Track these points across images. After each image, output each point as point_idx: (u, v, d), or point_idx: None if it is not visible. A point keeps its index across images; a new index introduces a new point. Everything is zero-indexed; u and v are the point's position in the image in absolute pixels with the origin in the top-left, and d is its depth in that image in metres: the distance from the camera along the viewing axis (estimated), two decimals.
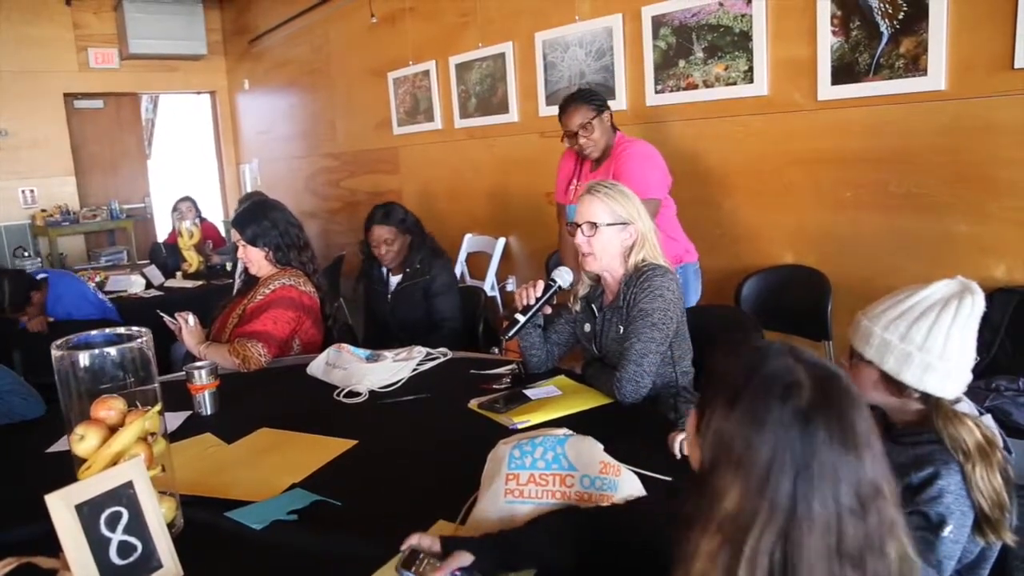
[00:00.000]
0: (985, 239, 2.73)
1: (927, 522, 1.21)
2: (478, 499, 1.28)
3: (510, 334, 1.97)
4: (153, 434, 1.32)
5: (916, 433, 1.31)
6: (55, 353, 1.26)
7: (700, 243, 3.62)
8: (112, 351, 1.29)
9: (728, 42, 3.33)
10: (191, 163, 9.09)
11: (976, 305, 1.27)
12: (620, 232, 1.97)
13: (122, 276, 3.93)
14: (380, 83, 5.61)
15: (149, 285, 3.96)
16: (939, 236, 2.83)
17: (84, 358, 1.27)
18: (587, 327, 2.08)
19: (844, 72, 2.96)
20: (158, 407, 1.35)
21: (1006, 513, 1.22)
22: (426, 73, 5.18)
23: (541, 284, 1.99)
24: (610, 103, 3.87)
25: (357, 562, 1.19)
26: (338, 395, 2.01)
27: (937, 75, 2.72)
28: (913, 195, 2.89)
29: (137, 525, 1.17)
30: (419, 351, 2.26)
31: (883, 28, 2.83)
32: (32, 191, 6.70)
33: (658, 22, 3.60)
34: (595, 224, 1.95)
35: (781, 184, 3.29)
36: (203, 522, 1.36)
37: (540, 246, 4.43)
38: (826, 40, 2.99)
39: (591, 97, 2.92)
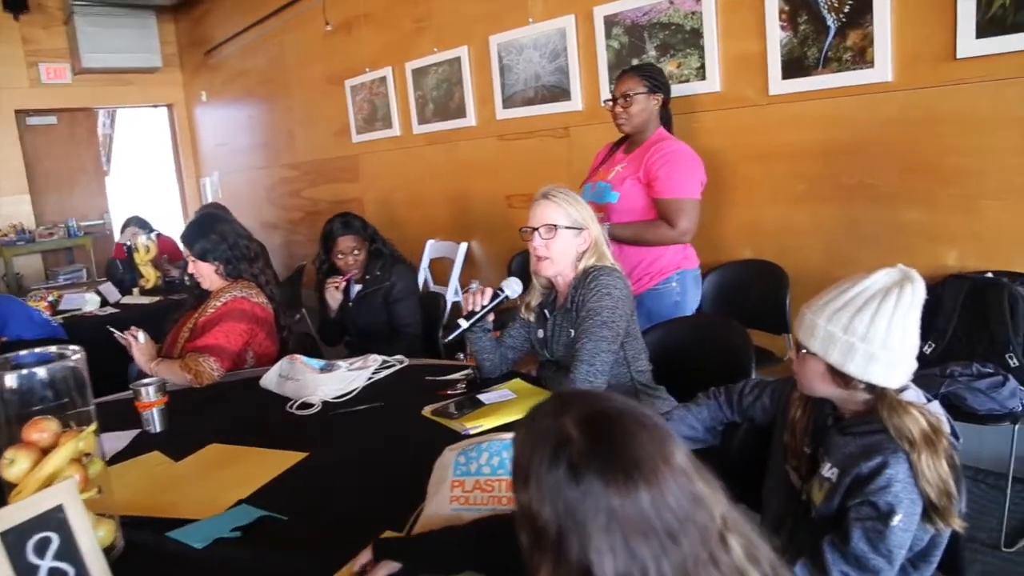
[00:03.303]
0: (935, 227, 2.77)
1: (876, 512, 1.21)
2: (424, 507, 1.26)
3: (449, 338, 1.96)
4: (88, 455, 1.28)
5: (864, 423, 1.31)
6: None
7: None
8: (41, 371, 1.25)
9: (680, 40, 3.35)
10: (151, 177, 8.95)
11: (916, 293, 1.27)
12: (575, 236, 1.97)
13: (76, 295, 3.83)
14: (337, 91, 5.57)
15: (105, 303, 3.87)
16: (892, 225, 2.87)
17: (11, 379, 1.22)
18: (540, 332, 2.07)
19: (794, 66, 3.00)
20: (93, 427, 1.30)
21: (953, 500, 1.23)
22: (383, 80, 5.14)
23: (489, 292, 1.98)
24: (566, 104, 3.92)
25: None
26: (291, 407, 1.97)
27: (883, 67, 2.75)
28: (865, 186, 2.92)
29: (69, 550, 1.13)
30: (375, 359, 2.23)
31: (830, 22, 2.86)
32: None
33: (610, 22, 3.61)
34: (554, 226, 1.94)
35: (736, 179, 3.31)
36: (144, 543, 1.32)
37: (502, 250, 4.41)
38: (775, 35, 3.02)
39: (648, 73, 2.79)
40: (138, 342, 2.29)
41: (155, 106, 7.82)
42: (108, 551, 1.29)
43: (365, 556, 1.13)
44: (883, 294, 1.27)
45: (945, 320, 2.55)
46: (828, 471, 1.33)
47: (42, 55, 6.74)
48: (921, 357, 2.55)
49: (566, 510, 0.73)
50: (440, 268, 5.09)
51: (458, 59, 4.52)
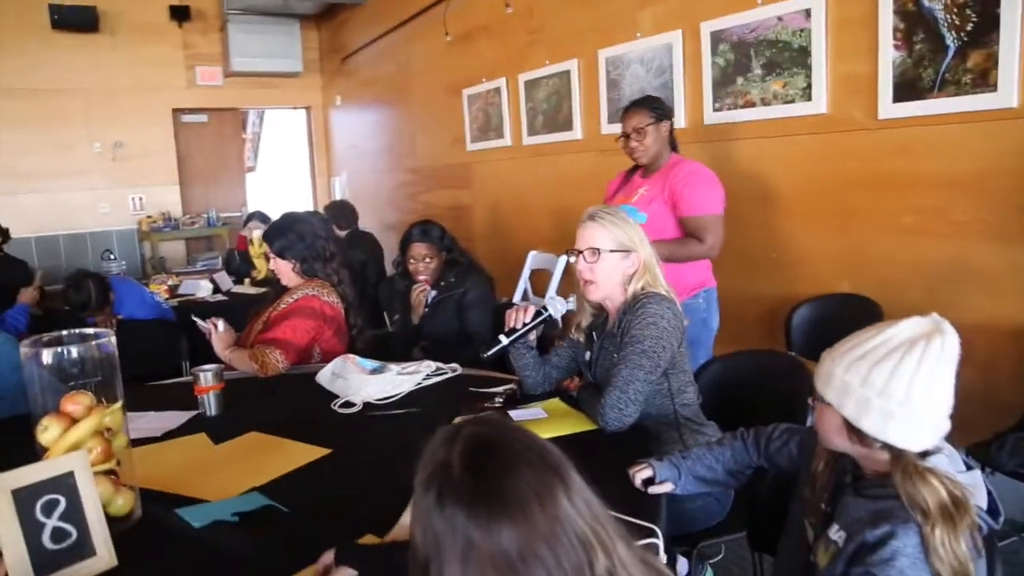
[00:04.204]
0: None
1: None
2: (402, 516, 1.27)
3: (488, 353, 1.95)
4: (110, 429, 1.39)
5: (879, 486, 1.19)
6: (23, 350, 1.35)
7: (754, 267, 3.48)
8: (75, 348, 1.37)
9: (787, 58, 3.19)
10: (291, 175, 9.56)
11: (947, 347, 1.14)
12: (622, 260, 1.91)
13: (193, 281, 4.17)
14: (455, 100, 5.72)
15: (217, 290, 4.18)
16: (1008, 268, 2.59)
17: (47, 355, 1.35)
18: (587, 355, 2.03)
19: (907, 89, 2.77)
20: (119, 404, 1.41)
21: None
22: (497, 90, 5.23)
23: (533, 310, 1.96)
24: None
25: (274, 569, 1.20)
26: (334, 405, 2.04)
27: (1008, 91, 2.50)
28: (980, 222, 2.66)
29: (74, 513, 1.23)
30: (428, 365, 2.27)
31: (949, 41, 2.63)
32: (141, 198, 7.25)
33: (717, 38, 3.49)
34: (597, 250, 1.90)
35: (839, 207, 3.11)
36: (156, 516, 1.41)
37: None
38: (888, 55, 2.81)
39: (654, 104, 2.92)
40: (217, 330, 2.44)
41: (295, 108, 8.36)
42: (126, 518, 1.40)
43: (328, 558, 1.15)
44: (908, 346, 1.15)
45: None
46: (835, 533, 1.22)
47: (199, 59, 7.39)
48: (1022, 417, 2.31)
49: (432, 536, 0.73)
50: (542, 279, 5.10)
51: (568, 72, 4.53)
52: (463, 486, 0.73)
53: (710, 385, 2.21)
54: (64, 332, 1.42)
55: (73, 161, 6.90)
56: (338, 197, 7.99)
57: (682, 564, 2.05)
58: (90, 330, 1.44)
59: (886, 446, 1.16)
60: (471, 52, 5.49)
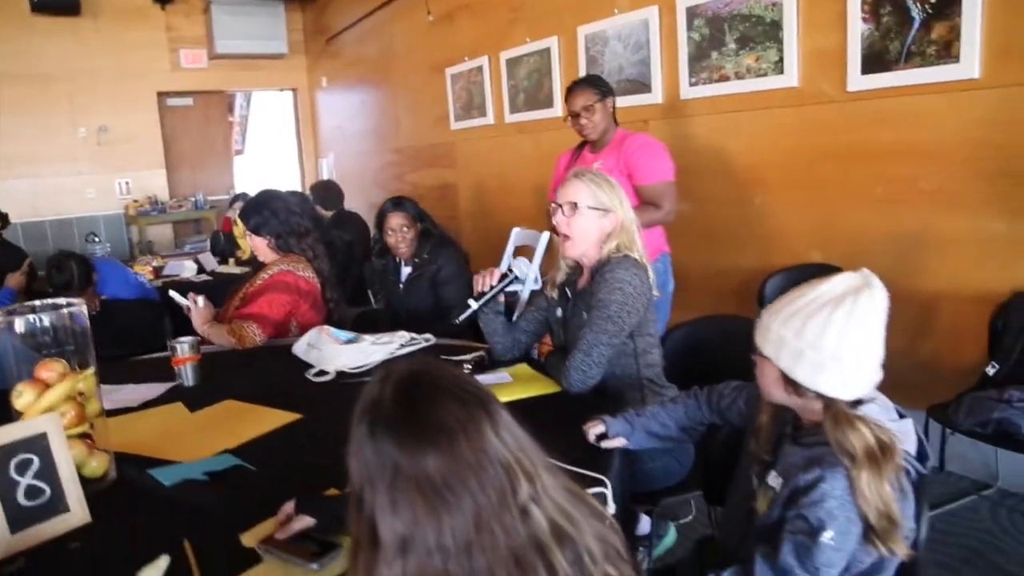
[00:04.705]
0: (1021, 239, 2.53)
1: (807, 526, 1.16)
2: None
3: (459, 319, 2.00)
4: (82, 394, 1.44)
5: (813, 434, 1.25)
6: None
7: (729, 241, 3.54)
8: (46, 317, 1.42)
9: (759, 32, 3.23)
10: (279, 157, 9.55)
11: (875, 301, 1.20)
12: (600, 218, 1.94)
13: (178, 262, 4.21)
14: (439, 79, 5.73)
15: (201, 270, 4.22)
16: (973, 235, 2.66)
17: (20, 324, 1.40)
18: (559, 312, 2.08)
19: (874, 61, 2.82)
20: (91, 371, 1.46)
21: (896, 525, 1.15)
22: (479, 69, 5.25)
23: (498, 272, 2.01)
24: (646, 97, 3.87)
25: (240, 522, 1.25)
26: (308, 374, 2.10)
27: (970, 62, 2.55)
28: (946, 191, 2.72)
29: (47, 472, 1.28)
30: (401, 335, 2.32)
31: (915, 13, 2.67)
32: (127, 183, 7.24)
33: (692, 13, 3.52)
34: (575, 205, 1.93)
35: (811, 179, 3.16)
36: (130, 477, 1.47)
37: None
38: (856, 27, 2.86)
39: (597, 82, 3.05)
40: (196, 306, 2.49)
41: (281, 90, 8.34)
42: (101, 479, 1.45)
43: (289, 507, 1.21)
44: (838, 300, 1.20)
45: (1012, 340, 2.34)
46: (773, 480, 1.28)
47: (182, 42, 7.35)
48: (981, 378, 2.38)
49: (364, 465, 0.78)
50: (526, 255, 5.14)
51: (548, 49, 4.55)
52: (393, 417, 0.78)
53: (676, 349, 2.27)
54: (37, 303, 1.47)
55: (58, 146, 6.89)
56: (325, 177, 8.02)
57: (644, 522, 2.12)
58: (62, 300, 1.48)
59: (819, 396, 1.22)
60: (453, 31, 5.50)
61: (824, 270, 3.05)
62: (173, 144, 7.57)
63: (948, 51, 2.59)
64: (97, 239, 5.14)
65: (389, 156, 6.88)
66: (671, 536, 2.33)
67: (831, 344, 1.18)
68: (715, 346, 2.25)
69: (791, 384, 1.24)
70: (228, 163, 8.22)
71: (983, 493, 2.65)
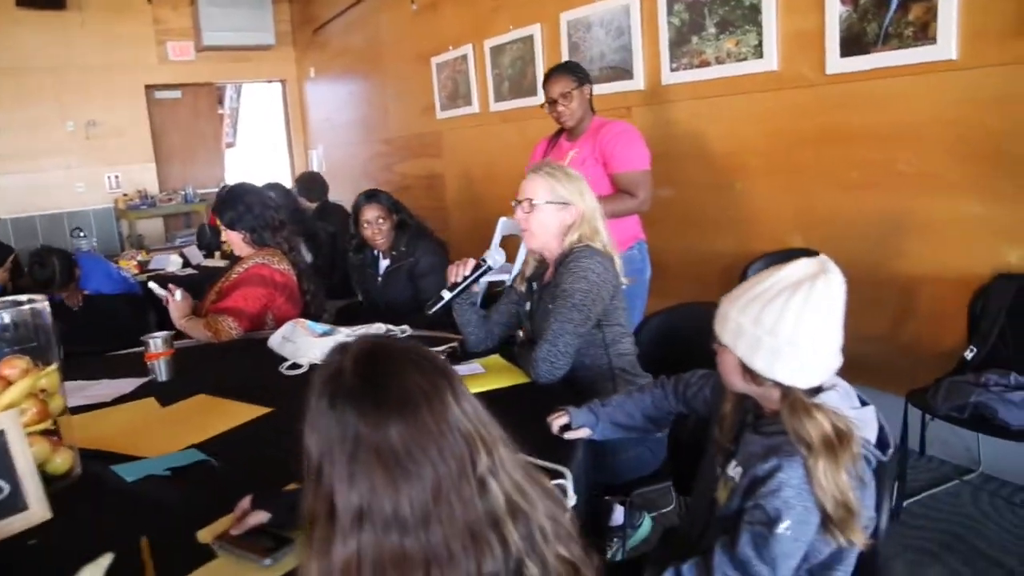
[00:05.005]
0: (1000, 221, 2.53)
1: (765, 516, 1.15)
2: None
3: (432, 310, 2.00)
4: (44, 391, 1.44)
5: (773, 423, 1.24)
6: None
7: (711, 227, 3.53)
8: (7, 314, 1.41)
9: (739, 16, 3.21)
10: (271, 149, 9.52)
11: (831, 287, 1.19)
12: (559, 211, 1.95)
13: (163, 256, 4.21)
14: (425, 68, 5.70)
15: (187, 264, 4.21)
16: (950, 218, 2.65)
17: None
18: (527, 305, 2.08)
19: (852, 43, 2.80)
20: (53, 367, 1.46)
21: (854, 514, 1.14)
22: (464, 57, 5.22)
23: (472, 263, 2.01)
24: (628, 83, 3.85)
25: (200, 518, 1.25)
26: (282, 367, 2.09)
27: (947, 43, 2.53)
28: (922, 174, 2.71)
29: (5, 469, 1.28)
30: (378, 327, 2.32)
31: None
32: (117, 176, 7.22)
33: None
34: (531, 200, 1.95)
35: (791, 163, 3.15)
36: (94, 473, 1.47)
37: None
38: (835, 9, 2.84)
39: (574, 69, 3.03)
40: (175, 299, 2.48)
41: (269, 81, 8.30)
42: (65, 475, 1.45)
43: (246, 503, 1.21)
44: (795, 286, 1.19)
45: (989, 324, 2.34)
46: (733, 469, 1.28)
47: (169, 34, 7.31)
48: (960, 362, 2.38)
49: (324, 437, 0.78)
50: (514, 244, 5.14)
51: (531, 37, 4.53)
52: (354, 388, 0.78)
53: (652, 338, 2.27)
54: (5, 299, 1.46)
55: (47, 141, 6.86)
56: (315, 169, 8.00)
57: (618, 513, 2.13)
58: (23, 297, 1.47)
59: (777, 384, 1.21)
60: (438, 20, 5.46)
61: (803, 254, 3.07)
62: (162, 137, 7.54)
63: (925, 32, 2.58)
64: (83, 234, 5.13)
65: (378, 147, 6.86)
66: (646, 526, 2.33)
67: (788, 330, 1.18)
68: (691, 333, 2.22)
69: (748, 372, 1.23)
70: (218, 156, 8.19)
71: (965, 478, 2.66)
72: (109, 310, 3.31)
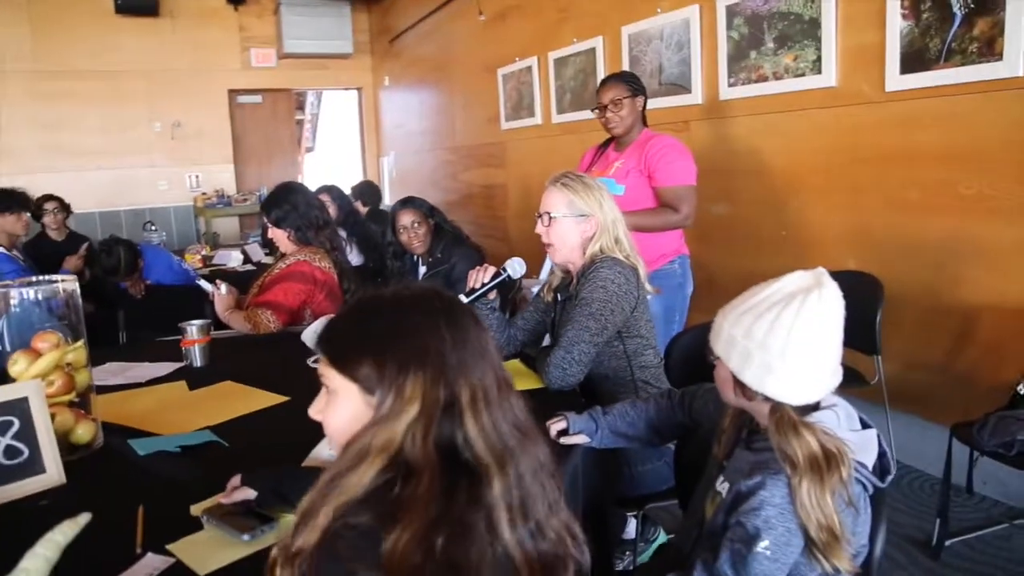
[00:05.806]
0: None
1: (745, 534, 1.12)
2: (318, 444, 1.36)
3: None
4: (69, 364, 1.53)
5: (763, 439, 1.21)
6: None
7: (764, 244, 3.44)
8: (39, 292, 1.51)
9: (798, 30, 3.13)
10: (347, 155, 9.81)
11: (825, 300, 1.16)
12: (578, 224, 1.95)
13: (227, 252, 4.39)
14: (491, 79, 5.78)
15: (248, 260, 4.38)
16: (1013, 244, 2.51)
17: (15, 296, 1.49)
18: (552, 315, 2.09)
19: (914, 59, 2.70)
20: (80, 343, 1.55)
21: (840, 539, 1.09)
22: (529, 69, 5.27)
23: (492, 270, 2.02)
24: (686, 98, 3.81)
25: (200, 493, 1.31)
26: (310, 360, 2.15)
27: (1015, 59, 2.41)
28: (985, 197, 2.57)
29: (26, 434, 1.37)
30: None
31: (956, 8, 2.54)
32: (197, 176, 7.59)
33: (732, 11, 3.45)
34: (550, 214, 1.96)
35: (847, 183, 3.05)
36: (114, 445, 1.55)
37: None
38: (896, 24, 2.74)
39: (629, 78, 3.02)
40: (220, 293, 2.59)
41: (346, 89, 8.57)
42: (87, 446, 1.54)
43: (235, 481, 1.25)
44: (787, 299, 1.16)
45: None
46: (720, 485, 1.25)
47: (253, 41, 7.65)
48: (1013, 396, 2.25)
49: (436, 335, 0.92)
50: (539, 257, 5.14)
51: (593, 49, 4.53)
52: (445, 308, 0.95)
53: (683, 354, 2.22)
54: (34, 278, 1.56)
55: (135, 140, 7.27)
56: (386, 176, 8.23)
57: (631, 526, 2.09)
58: (57, 277, 1.57)
59: (766, 399, 1.18)
60: (504, 31, 5.53)
61: (856, 277, 2.98)
62: (242, 140, 7.88)
63: (991, 48, 2.45)
64: (154, 227, 5.40)
65: (445, 155, 6.98)
66: (661, 540, 2.28)
67: (778, 344, 1.15)
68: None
69: (740, 386, 1.20)
70: (294, 159, 8.49)
71: (1016, 522, 2.50)
72: (168, 300, 3.47)
